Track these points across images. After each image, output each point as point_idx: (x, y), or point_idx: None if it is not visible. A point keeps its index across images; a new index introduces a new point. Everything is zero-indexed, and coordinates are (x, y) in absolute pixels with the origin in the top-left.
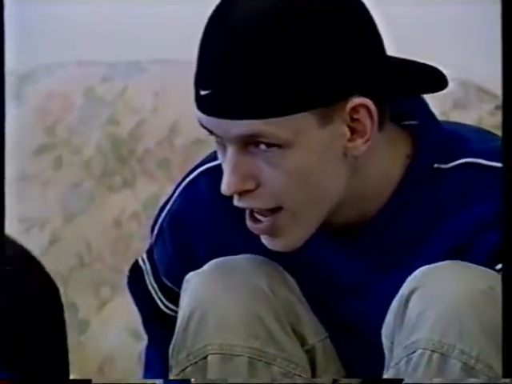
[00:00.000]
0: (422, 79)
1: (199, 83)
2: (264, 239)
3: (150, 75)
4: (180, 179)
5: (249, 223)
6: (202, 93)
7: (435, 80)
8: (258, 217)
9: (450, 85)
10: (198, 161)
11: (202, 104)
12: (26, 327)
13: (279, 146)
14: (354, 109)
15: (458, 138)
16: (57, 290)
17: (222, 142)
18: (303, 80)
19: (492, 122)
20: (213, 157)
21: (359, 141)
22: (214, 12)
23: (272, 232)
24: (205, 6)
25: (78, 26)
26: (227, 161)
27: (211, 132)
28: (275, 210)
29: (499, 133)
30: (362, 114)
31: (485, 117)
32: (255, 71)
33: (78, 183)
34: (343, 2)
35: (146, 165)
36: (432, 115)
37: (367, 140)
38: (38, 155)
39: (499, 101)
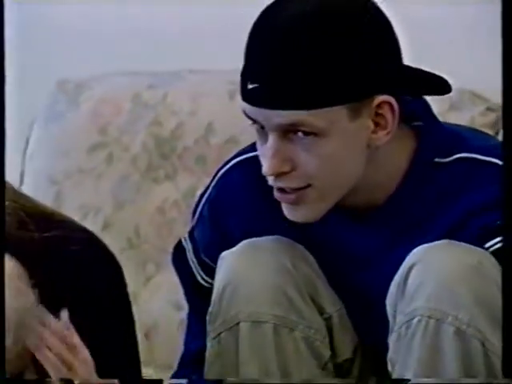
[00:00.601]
0: (432, 84)
1: (247, 78)
2: (287, 210)
3: (188, 83)
4: (216, 171)
5: (276, 194)
6: (250, 86)
7: (443, 85)
8: (288, 191)
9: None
10: (231, 155)
11: (250, 96)
12: (98, 299)
13: (315, 134)
14: (379, 105)
15: (456, 136)
16: (120, 267)
17: (264, 130)
18: (339, 77)
19: (483, 121)
20: (245, 150)
21: (381, 133)
22: (261, 16)
23: (297, 204)
24: (230, 23)
25: (127, 40)
26: (268, 146)
27: (254, 121)
28: (304, 188)
29: (490, 131)
30: (386, 110)
31: (476, 117)
32: (299, 68)
33: (127, 176)
34: (378, 15)
35: (185, 160)
36: (434, 117)
37: (388, 133)
38: (92, 152)
39: (489, 103)
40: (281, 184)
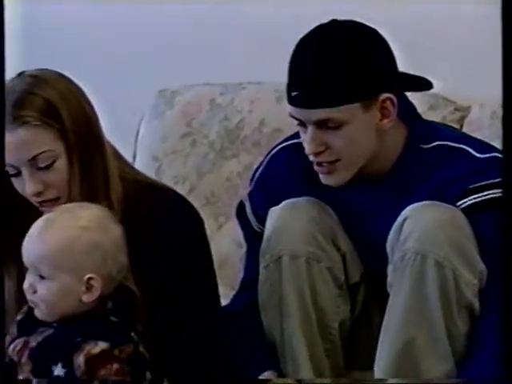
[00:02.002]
0: (419, 82)
1: (291, 88)
2: (323, 178)
3: (248, 91)
4: (267, 152)
5: (316, 167)
6: (293, 94)
7: (427, 83)
8: (323, 164)
9: (426, 96)
10: (278, 141)
11: (294, 101)
12: (187, 238)
13: (341, 123)
14: (384, 101)
15: (434, 129)
16: (201, 218)
17: (304, 125)
18: (355, 83)
19: (451, 118)
20: (288, 138)
21: (386, 121)
22: (299, 43)
23: (330, 173)
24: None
25: (205, 58)
26: (308, 135)
27: (297, 119)
28: (334, 162)
29: (456, 126)
30: (388, 104)
31: (447, 116)
32: (327, 79)
33: (205, 155)
34: (380, 39)
35: (246, 145)
36: (418, 115)
37: (390, 120)
38: (182, 139)
39: (455, 105)
40: (318, 159)
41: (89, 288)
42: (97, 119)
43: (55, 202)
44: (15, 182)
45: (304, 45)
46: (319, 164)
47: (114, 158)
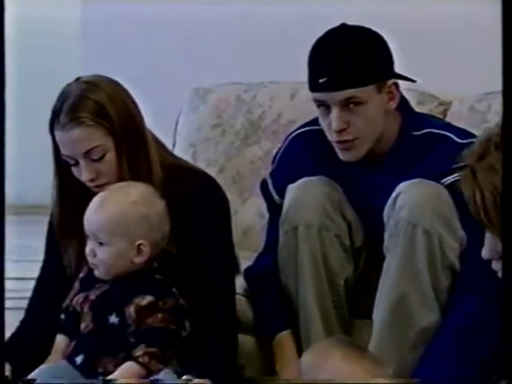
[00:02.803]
0: (406, 77)
1: (319, 76)
2: (342, 154)
3: (268, 89)
4: (285, 137)
5: (337, 145)
6: (321, 81)
7: (409, 78)
8: (344, 142)
9: (415, 93)
10: (293, 128)
11: (321, 86)
12: (215, 216)
13: (361, 103)
14: (390, 85)
15: (423, 119)
16: (225, 195)
17: (328, 108)
18: (373, 68)
19: (436, 111)
20: (301, 126)
21: (391, 102)
22: (320, 39)
23: (349, 150)
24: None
25: (233, 60)
26: (333, 115)
27: (322, 103)
28: (353, 140)
29: (441, 117)
30: (393, 88)
31: (433, 109)
32: (350, 65)
33: (232, 142)
34: (382, 37)
35: (266, 133)
36: (411, 107)
37: (394, 102)
38: (213, 129)
39: (439, 100)
40: (340, 138)
41: (139, 252)
42: (140, 115)
43: (106, 186)
44: (74, 170)
45: (325, 41)
46: (340, 142)
47: (156, 147)
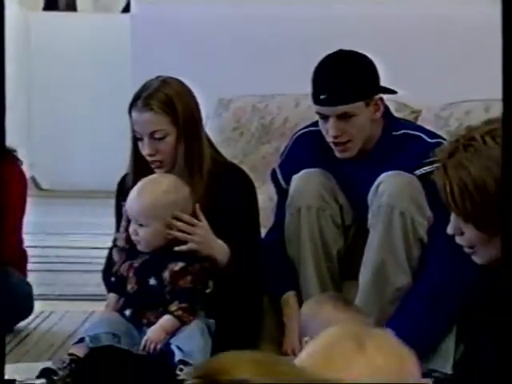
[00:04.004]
0: (389, 90)
1: (319, 92)
2: (338, 153)
3: (277, 100)
4: (291, 136)
5: (334, 147)
6: (322, 97)
7: (392, 90)
8: (340, 144)
9: (392, 103)
10: (298, 128)
11: (322, 102)
12: (244, 197)
13: (353, 115)
14: (377, 100)
15: (401, 122)
16: (252, 182)
17: (326, 117)
18: (362, 87)
19: (409, 117)
20: (304, 127)
21: (377, 113)
22: (322, 60)
23: (344, 150)
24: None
25: (249, 73)
26: (330, 125)
27: (322, 114)
28: (347, 142)
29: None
30: (379, 102)
31: (406, 116)
32: (345, 86)
33: (249, 141)
34: (371, 60)
35: (275, 134)
36: (391, 113)
37: (380, 113)
38: (233, 131)
39: (412, 109)
40: (336, 141)
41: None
42: (199, 113)
43: (161, 163)
44: (140, 144)
45: (326, 64)
46: (336, 144)
47: (208, 144)
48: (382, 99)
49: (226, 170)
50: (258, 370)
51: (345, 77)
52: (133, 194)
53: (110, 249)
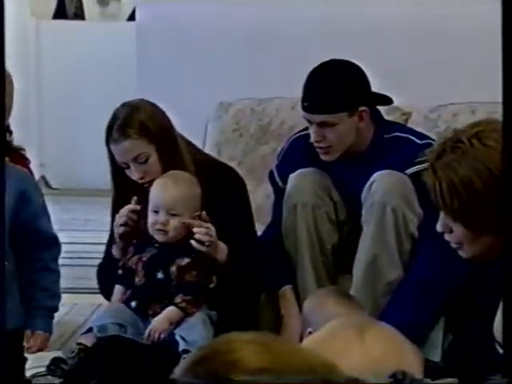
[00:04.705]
0: (384, 100)
1: (304, 100)
2: (322, 156)
3: (275, 102)
4: (287, 139)
5: (317, 150)
6: (305, 104)
7: (389, 100)
8: (321, 148)
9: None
10: (293, 132)
11: (306, 109)
12: (235, 195)
13: (333, 124)
14: (361, 112)
15: (392, 125)
16: (244, 181)
17: (311, 123)
18: (344, 99)
19: (400, 119)
20: (299, 131)
21: (361, 123)
22: (311, 72)
23: (326, 154)
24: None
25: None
26: (312, 130)
27: (308, 119)
28: (327, 147)
29: (404, 124)
30: (364, 113)
31: (397, 118)
32: (326, 96)
33: (247, 143)
34: (360, 71)
35: (273, 136)
36: (382, 116)
37: (364, 123)
38: (233, 132)
39: (402, 111)
40: (318, 145)
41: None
42: (172, 126)
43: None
44: (128, 172)
45: (315, 73)
46: (319, 148)
47: (187, 147)
48: (365, 111)
49: (213, 169)
50: (257, 348)
51: (328, 88)
52: (163, 185)
53: (108, 247)
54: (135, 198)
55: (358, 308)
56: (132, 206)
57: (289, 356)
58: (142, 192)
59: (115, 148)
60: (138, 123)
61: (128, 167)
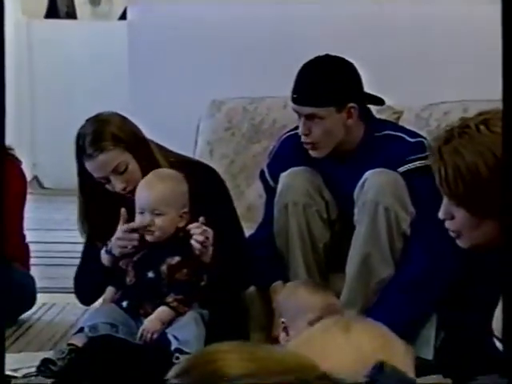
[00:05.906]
0: (376, 100)
1: (294, 92)
2: (311, 152)
3: (266, 102)
4: (278, 138)
5: (305, 145)
6: (294, 96)
7: (380, 100)
8: (309, 143)
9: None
10: (285, 131)
11: (295, 100)
12: (216, 194)
13: (321, 118)
14: (349, 108)
15: (383, 123)
16: (223, 181)
17: (300, 115)
18: (332, 95)
19: (391, 118)
20: (290, 130)
21: (350, 120)
22: (302, 66)
23: (315, 149)
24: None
25: (243, 79)
26: (301, 123)
27: (297, 112)
28: (316, 143)
29: (395, 122)
30: (352, 110)
31: (389, 116)
32: (315, 89)
33: (239, 142)
34: (352, 68)
35: (265, 135)
36: (373, 115)
37: (352, 120)
38: (225, 131)
39: (394, 110)
40: (305, 140)
41: (181, 218)
42: (141, 133)
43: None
44: (108, 186)
45: (307, 66)
46: (307, 143)
47: (160, 150)
48: (354, 108)
49: (190, 169)
50: (239, 356)
51: (318, 81)
52: (146, 185)
53: (84, 254)
54: (123, 209)
55: (331, 296)
56: (125, 226)
57: (271, 361)
58: (118, 203)
59: (91, 164)
60: (109, 135)
61: (108, 181)
